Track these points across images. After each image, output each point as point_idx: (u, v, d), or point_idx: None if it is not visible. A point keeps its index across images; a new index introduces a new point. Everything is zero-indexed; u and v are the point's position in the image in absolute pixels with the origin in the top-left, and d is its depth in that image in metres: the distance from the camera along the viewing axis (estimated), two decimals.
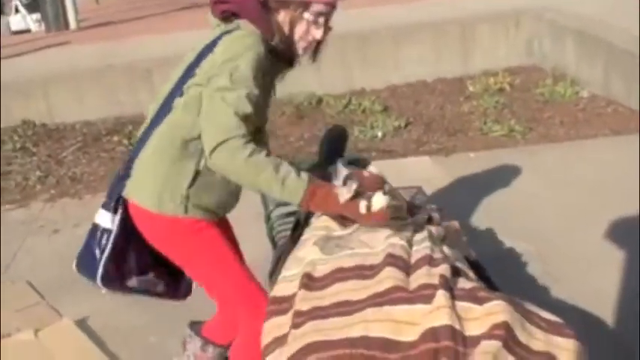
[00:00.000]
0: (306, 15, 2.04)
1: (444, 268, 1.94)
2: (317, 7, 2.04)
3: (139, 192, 2.12)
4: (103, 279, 2.16)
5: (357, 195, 1.99)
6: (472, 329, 1.73)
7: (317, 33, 2.09)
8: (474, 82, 6.59)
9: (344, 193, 1.98)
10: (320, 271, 2.05)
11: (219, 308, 2.47)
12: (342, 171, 2.31)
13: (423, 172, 4.65)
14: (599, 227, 3.73)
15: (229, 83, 1.92)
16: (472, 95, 6.37)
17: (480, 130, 5.55)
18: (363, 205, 1.97)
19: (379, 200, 1.97)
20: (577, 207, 4.07)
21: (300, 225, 2.40)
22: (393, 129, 5.66)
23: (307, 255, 2.14)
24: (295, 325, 1.86)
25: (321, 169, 2.74)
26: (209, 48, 2.05)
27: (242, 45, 1.98)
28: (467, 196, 4.25)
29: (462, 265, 2.13)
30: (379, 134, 5.56)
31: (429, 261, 1.99)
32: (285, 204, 2.81)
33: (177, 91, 2.09)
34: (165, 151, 2.08)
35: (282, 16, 2.06)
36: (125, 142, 5.74)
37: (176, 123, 2.08)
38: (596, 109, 5.82)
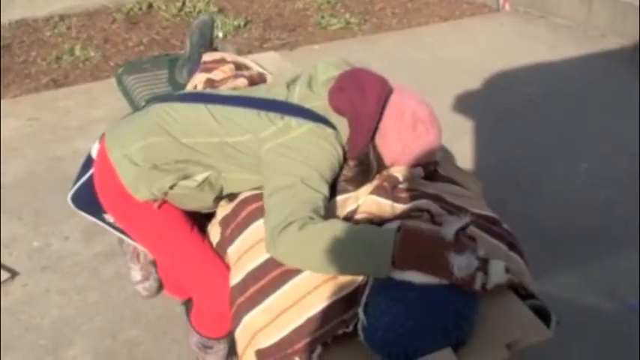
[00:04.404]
0: None
1: None
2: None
3: (118, 155, 1.87)
4: (73, 199, 2.06)
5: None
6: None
7: None
8: None
9: (464, 265, 1.50)
10: None
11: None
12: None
13: (274, 66, 4.72)
14: (442, 96, 4.09)
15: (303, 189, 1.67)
16: None
17: (318, 25, 5.69)
18: (481, 278, 1.53)
19: (498, 270, 1.56)
20: (418, 85, 4.36)
21: None
22: (233, 28, 5.65)
23: None
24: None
25: (192, 59, 2.78)
26: (302, 112, 1.79)
27: (328, 153, 1.74)
28: None
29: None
30: (220, 34, 5.53)
31: None
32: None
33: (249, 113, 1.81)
34: (173, 146, 1.83)
35: (373, 154, 1.81)
36: None
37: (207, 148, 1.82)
38: None
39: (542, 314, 1.70)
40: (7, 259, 2.89)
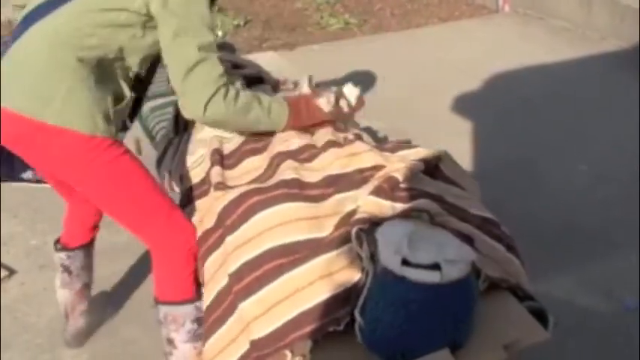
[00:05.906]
0: None
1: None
2: None
3: (52, 110, 1.74)
4: None
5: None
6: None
7: None
8: None
9: (325, 103, 2.07)
10: (227, 148, 2.08)
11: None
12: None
13: (272, 65, 4.70)
14: (440, 97, 4.09)
15: (194, 31, 1.76)
16: None
17: (317, 25, 5.70)
18: (344, 103, 2.13)
19: (352, 91, 2.16)
20: (417, 85, 4.37)
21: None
22: (232, 28, 5.65)
23: (209, 134, 2.15)
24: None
25: None
26: None
27: None
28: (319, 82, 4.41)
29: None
30: (220, 33, 5.53)
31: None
32: (155, 97, 2.82)
33: None
34: (85, 62, 1.77)
35: None
36: None
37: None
38: None
39: (540, 316, 1.70)
40: (4, 257, 2.89)
